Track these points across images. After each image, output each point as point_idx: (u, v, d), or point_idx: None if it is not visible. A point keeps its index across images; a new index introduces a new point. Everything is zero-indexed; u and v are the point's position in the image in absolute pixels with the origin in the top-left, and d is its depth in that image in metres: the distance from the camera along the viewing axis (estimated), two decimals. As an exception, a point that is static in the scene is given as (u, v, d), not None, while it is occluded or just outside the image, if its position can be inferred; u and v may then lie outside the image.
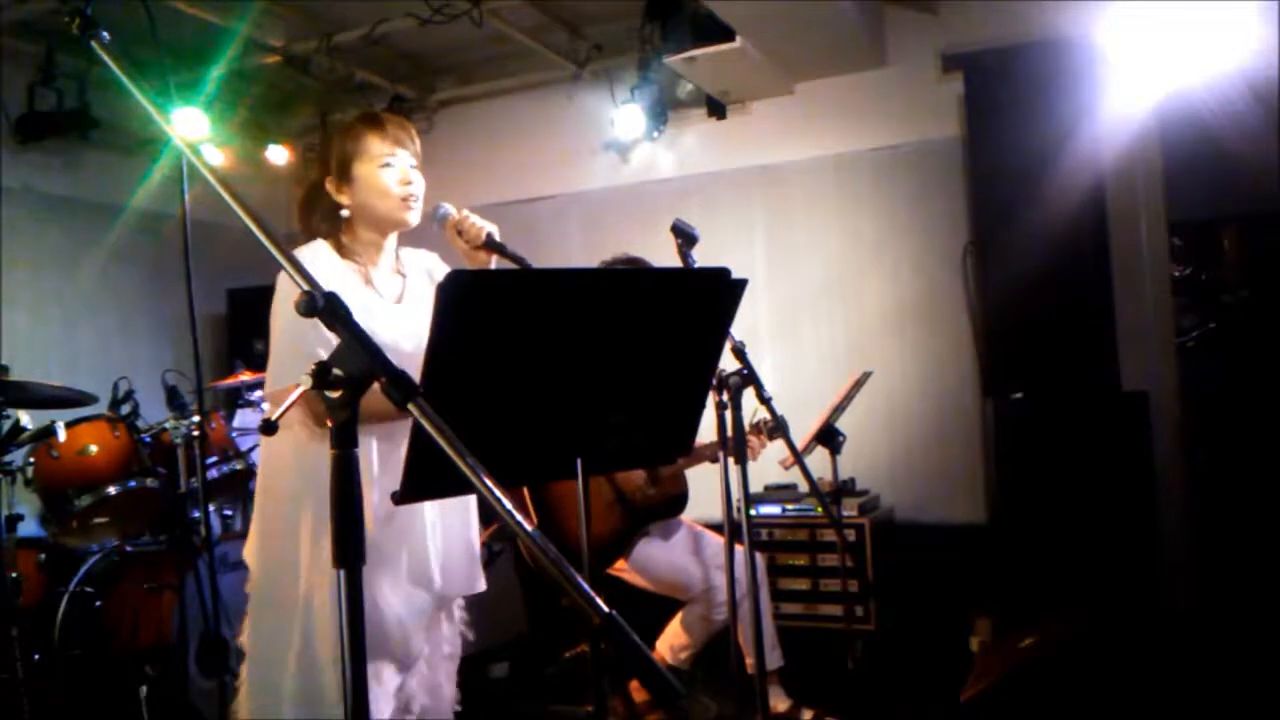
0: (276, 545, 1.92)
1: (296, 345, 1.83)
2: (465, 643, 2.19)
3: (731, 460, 2.36)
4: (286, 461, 1.92)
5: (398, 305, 2.03)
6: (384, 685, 1.94)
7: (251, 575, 1.97)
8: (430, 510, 1.99)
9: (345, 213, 2.01)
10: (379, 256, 2.05)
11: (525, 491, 3.27)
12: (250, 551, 1.99)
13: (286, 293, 1.89)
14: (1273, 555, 3.80)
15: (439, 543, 2.01)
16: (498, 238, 1.97)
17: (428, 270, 2.15)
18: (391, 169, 1.99)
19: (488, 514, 2.60)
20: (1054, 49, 3.78)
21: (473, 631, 2.20)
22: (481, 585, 2.12)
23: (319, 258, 1.97)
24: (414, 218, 2.02)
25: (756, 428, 3.19)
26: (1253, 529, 3.99)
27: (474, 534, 2.12)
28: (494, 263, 1.97)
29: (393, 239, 2.08)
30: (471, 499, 2.10)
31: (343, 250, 2.01)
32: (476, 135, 5.43)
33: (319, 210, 2.04)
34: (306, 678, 1.85)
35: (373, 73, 5.10)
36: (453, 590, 2.08)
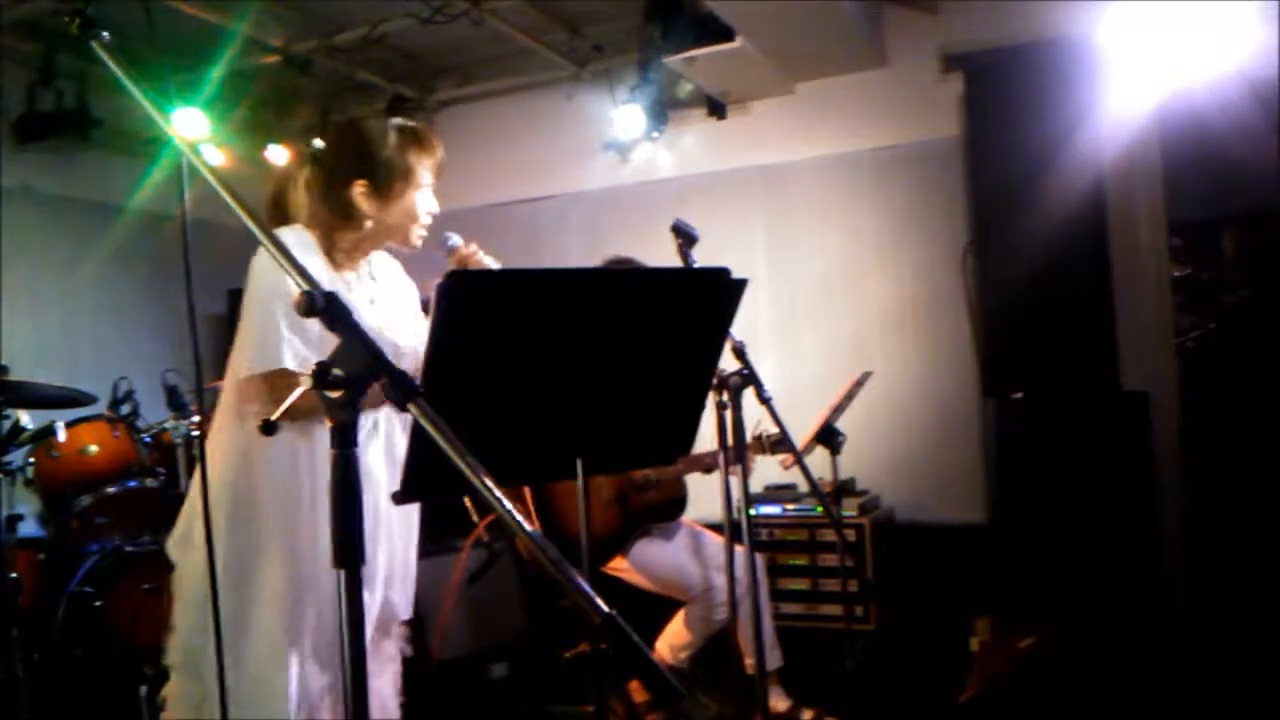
0: (249, 543, 1.88)
1: (276, 328, 1.81)
2: (404, 659, 2.17)
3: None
4: (254, 450, 1.89)
5: (370, 306, 2.01)
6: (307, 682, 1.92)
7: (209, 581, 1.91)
8: (375, 526, 1.96)
9: (369, 224, 1.95)
10: (361, 260, 2.03)
11: (526, 490, 3.27)
12: (190, 549, 1.93)
13: (263, 270, 1.86)
14: (1272, 555, 3.80)
15: (391, 558, 2.01)
16: None
17: (393, 274, 2.13)
18: (426, 196, 1.99)
19: (485, 511, 2.59)
20: (1054, 49, 3.78)
21: (410, 648, 2.18)
22: (408, 613, 2.10)
23: (305, 246, 1.92)
24: (419, 244, 2.02)
25: (759, 440, 3.18)
26: (1252, 529, 3.99)
27: (413, 556, 2.10)
28: None
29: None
30: (413, 520, 2.09)
31: (328, 248, 1.96)
32: (476, 135, 5.42)
33: (331, 201, 1.95)
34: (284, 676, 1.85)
35: (373, 73, 5.10)
36: (392, 611, 2.07)
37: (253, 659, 1.86)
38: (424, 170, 1.97)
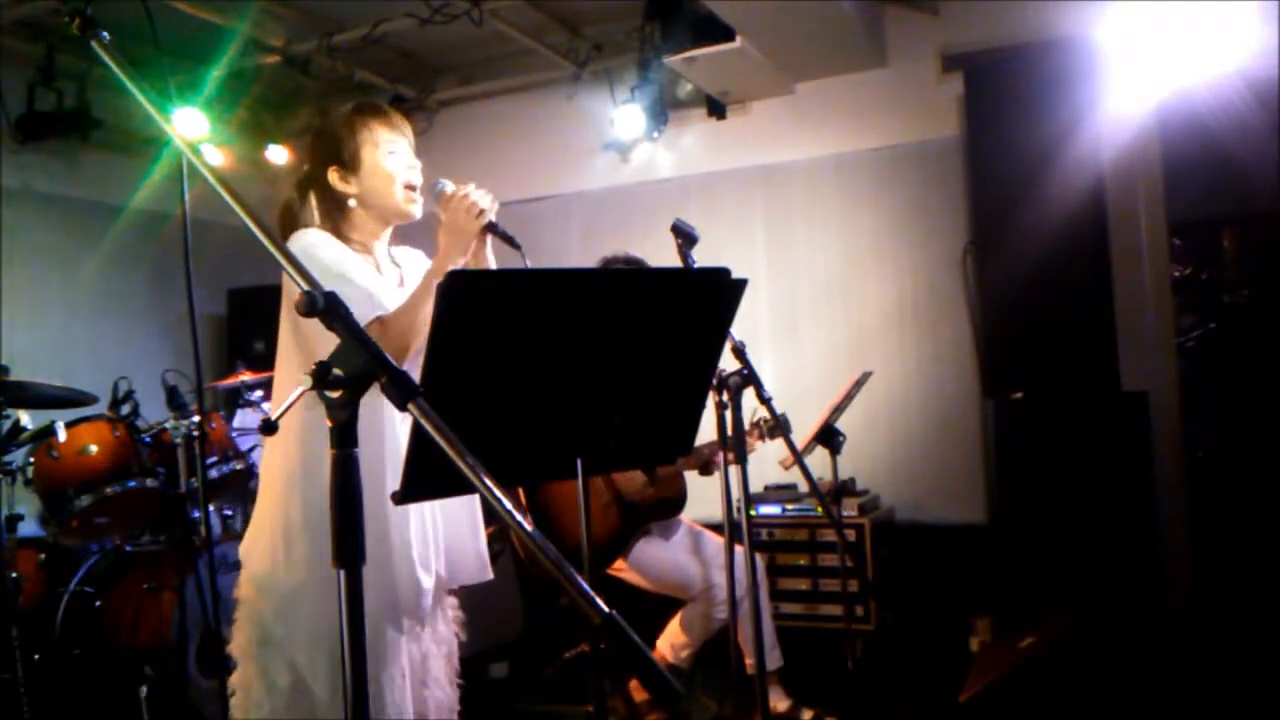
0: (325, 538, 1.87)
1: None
2: (459, 643, 2.18)
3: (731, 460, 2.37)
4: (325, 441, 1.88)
5: (400, 288, 2.04)
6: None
7: (291, 573, 1.88)
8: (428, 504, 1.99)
9: (353, 203, 2.01)
10: (376, 245, 2.07)
11: (521, 493, 3.26)
12: (280, 548, 1.90)
13: (307, 259, 1.89)
14: (1272, 555, 3.80)
15: (441, 528, 2.01)
16: (493, 218, 1.94)
17: (417, 261, 2.16)
18: (396, 156, 2.02)
19: (488, 514, 2.59)
20: (1054, 49, 3.79)
21: (465, 632, 2.19)
22: (489, 574, 2.11)
23: (327, 239, 1.97)
24: (417, 210, 2.04)
25: (756, 426, 3.19)
26: (1252, 529, 4.00)
27: (480, 521, 2.11)
28: (489, 245, 1.97)
29: (388, 232, 2.10)
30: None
31: (343, 239, 2.01)
32: (476, 135, 5.43)
33: (323, 201, 2.03)
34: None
35: (373, 73, 5.10)
36: (461, 578, 2.08)
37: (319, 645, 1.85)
38: (374, 130, 2.00)
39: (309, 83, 5.04)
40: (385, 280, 2.02)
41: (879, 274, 4.64)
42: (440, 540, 2.02)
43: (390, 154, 2.01)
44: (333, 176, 2.01)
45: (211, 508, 3.90)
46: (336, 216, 2.03)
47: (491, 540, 4.03)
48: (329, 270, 1.87)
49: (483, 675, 4.07)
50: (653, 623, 3.53)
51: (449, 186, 1.95)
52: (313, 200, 2.04)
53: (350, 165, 2.00)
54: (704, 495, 3.35)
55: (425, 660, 2.06)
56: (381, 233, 2.07)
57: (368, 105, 2.06)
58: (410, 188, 2.02)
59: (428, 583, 1.95)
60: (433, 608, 2.05)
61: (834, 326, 4.72)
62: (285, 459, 1.94)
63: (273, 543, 1.91)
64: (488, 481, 1.00)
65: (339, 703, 1.82)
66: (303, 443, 1.91)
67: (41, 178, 4.62)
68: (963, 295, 4.44)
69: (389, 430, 1.89)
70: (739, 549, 2.63)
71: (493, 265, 1.98)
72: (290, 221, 2.06)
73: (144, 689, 3.20)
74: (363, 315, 1.80)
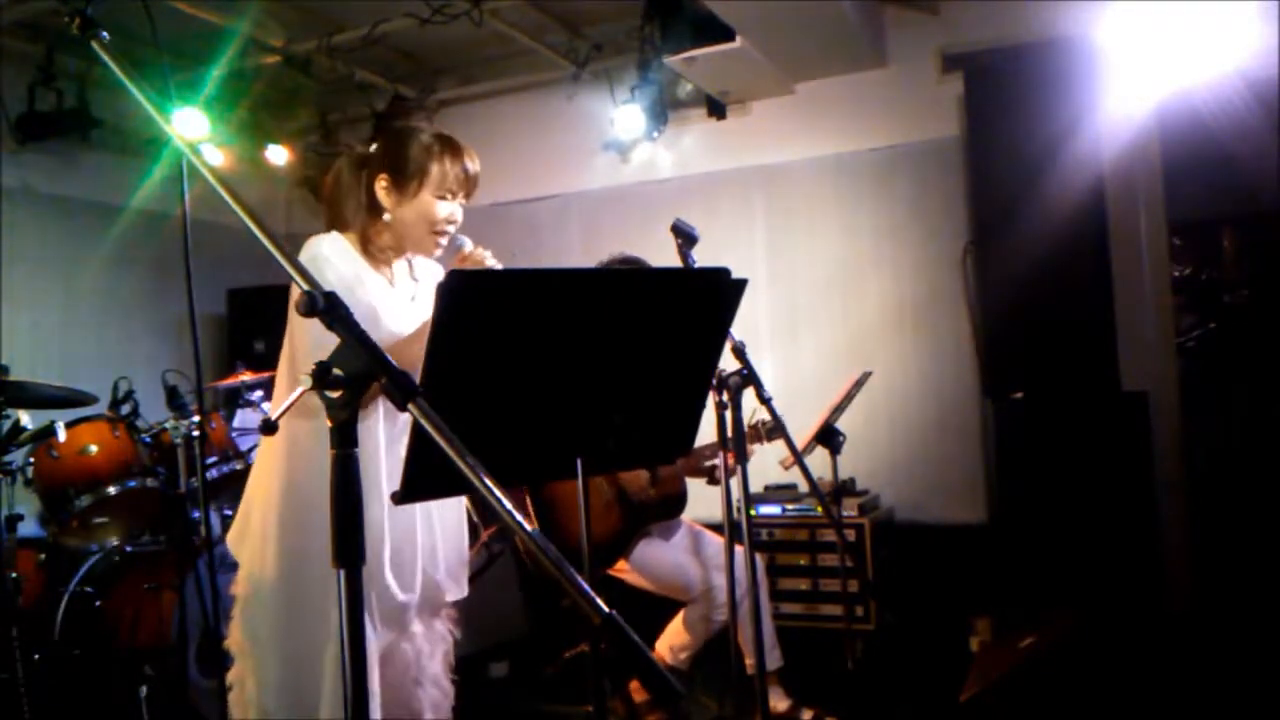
0: (312, 539, 1.85)
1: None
2: (454, 641, 2.19)
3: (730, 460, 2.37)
4: (316, 448, 1.88)
5: (411, 303, 2.06)
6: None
7: (269, 572, 1.91)
8: (424, 509, 2.01)
9: (387, 216, 2.01)
10: (395, 259, 2.09)
11: (525, 491, 3.27)
12: (261, 548, 1.93)
13: (323, 263, 1.94)
14: (1272, 555, 3.80)
15: (435, 541, 2.02)
16: None
17: (434, 275, 2.18)
18: (446, 203, 2.02)
19: (488, 514, 2.60)
20: (1054, 49, 3.79)
21: (459, 630, 2.20)
22: (465, 590, 2.13)
23: (341, 250, 1.98)
24: (435, 253, 2.07)
25: (755, 429, 3.19)
26: (1252, 529, 4.00)
27: (465, 538, 2.12)
28: None
29: None
30: (462, 503, 2.11)
31: (365, 246, 2.03)
32: (476, 135, 5.35)
33: (369, 193, 2.03)
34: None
35: (373, 73, 5.10)
36: (445, 592, 2.08)
37: (298, 650, 1.87)
38: (444, 175, 2.01)
39: (309, 83, 5.04)
40: (396, 295, 2.04)
41: (879, 274, 4.64)
42: (440, 546, 2.03)
43: (441, 199, 2.01)
44: (381, 183, 2.01)
45: (211, 508, 3.90)
46: (367, 216, 2.03)
47: (492, 540, 4.05)
48: (337, 281, 1.89)
49: (483, 675, 4.07)
50: (653, 623, 3.53)
51: (468, 245, 1.99)
52: (363, 181, 2.04)
53: (401, 186, 2.00)
54: (704, 495, 3.35)
55: (420, 659, 2.07)
56: (406, 253, 2.09)
57: (452, 145, 2.05)
58: (438, 234, 2.02)
59: (403, 595, 1.96)
60: (433, 609, 2.06)
61: (834, 326, 4.72)
62: (274, 460, 1.96)
63: (254, 543, 1.95)
64: (488, 481, 1.00)
65: (284, 705, 1.84)
66: (291, 447, 1.92)
67: (41, 178, 4.61)
68: (963, 295, 4.44)
69: (367, 434, 1.90)
70: (739, 549, 2.63)
71: None
72: (338, 189, 2.06)
73: (144, 689, 3.20)
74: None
